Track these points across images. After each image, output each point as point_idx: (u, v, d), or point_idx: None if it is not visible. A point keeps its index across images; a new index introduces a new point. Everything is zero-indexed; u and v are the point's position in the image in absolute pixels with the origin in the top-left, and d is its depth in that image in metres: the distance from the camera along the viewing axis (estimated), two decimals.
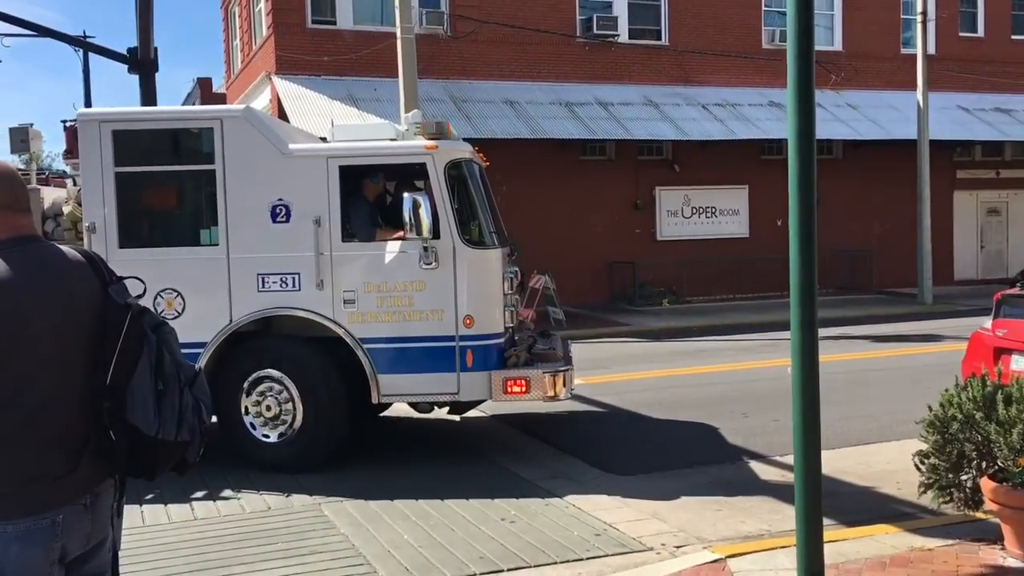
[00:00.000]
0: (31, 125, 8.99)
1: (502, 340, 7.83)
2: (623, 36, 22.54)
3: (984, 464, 5.59)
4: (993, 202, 26.96)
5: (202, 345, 7.62)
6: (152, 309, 2.93)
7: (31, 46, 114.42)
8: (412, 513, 6.60)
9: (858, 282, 23.47)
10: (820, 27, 23.84)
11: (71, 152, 8.62)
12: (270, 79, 20.52)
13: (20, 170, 8.88)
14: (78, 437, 2.67)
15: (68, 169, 9.11)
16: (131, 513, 6.47)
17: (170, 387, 2.74)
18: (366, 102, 19.22)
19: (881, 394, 10.72)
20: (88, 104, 30.99)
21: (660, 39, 23.18)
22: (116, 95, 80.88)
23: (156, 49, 14.87)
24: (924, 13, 21.52)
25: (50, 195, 8.30)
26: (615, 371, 12.91)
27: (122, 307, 2.73)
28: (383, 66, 18.79)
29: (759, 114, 22.20)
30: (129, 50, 15.05)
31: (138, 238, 7.83)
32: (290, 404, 7.75)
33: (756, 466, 7.82)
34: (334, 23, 20.82)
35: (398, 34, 14.49)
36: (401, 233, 7.65)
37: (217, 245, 7.72)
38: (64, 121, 9.06)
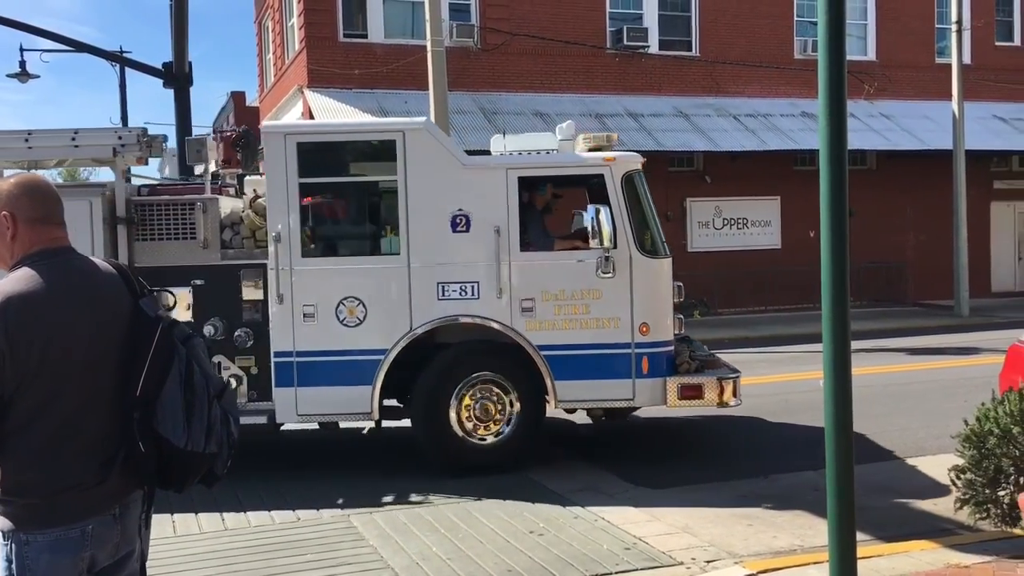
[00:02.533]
0: (208, 135, 9.05)
1: (673, 347, 8.08)
2: (653, 47, 22.50)
3: (1022, 480, 5.48)
4: None
5: (383, 352, 7.77)
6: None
7: (68, 62, 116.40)
8: (440, 525, 6.59)
9: (893, 294, 23.19)
10: (853, 37, 23.65)
11: (228, 162, 8.83)
12: (302, 92, 20.69)
13: (195, 178, 8.91)
14: (108, 448, 2.69)
15: (227, 178, 9.27)
16: (162, 523, 6.52)
17: (199, 399, 2.75)
18: (397, 115, 19.31)
19: (916, 408, 10.56)
20: (124, 118, 31.41)
21: (691, 50, 23.11)
22: (152, 109, 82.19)
23: (190, 63, 15.08)
24: (959, 22, 21.28)
25: (227, 204, 8.48)
26: None
27: (153, 319, 2.76)
28: (414, 79, 18.90)
29: (791, 125, 22.05)
30: (164, 65, 15.27)
31: (321, 247, 8.08)
32: (504, 405, 7.97)
33: (789, 480, 7.71)
34: (365, 37, 20.99)
35: (428, 47, 14.56)
36: (578, 242, 8.01)
37: (398, 254, 7.88)
38: (220, 131, 9.13)
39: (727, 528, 6.45)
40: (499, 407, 7.96)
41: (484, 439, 7.95)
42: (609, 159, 8.04)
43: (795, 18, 23.78)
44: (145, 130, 8.19)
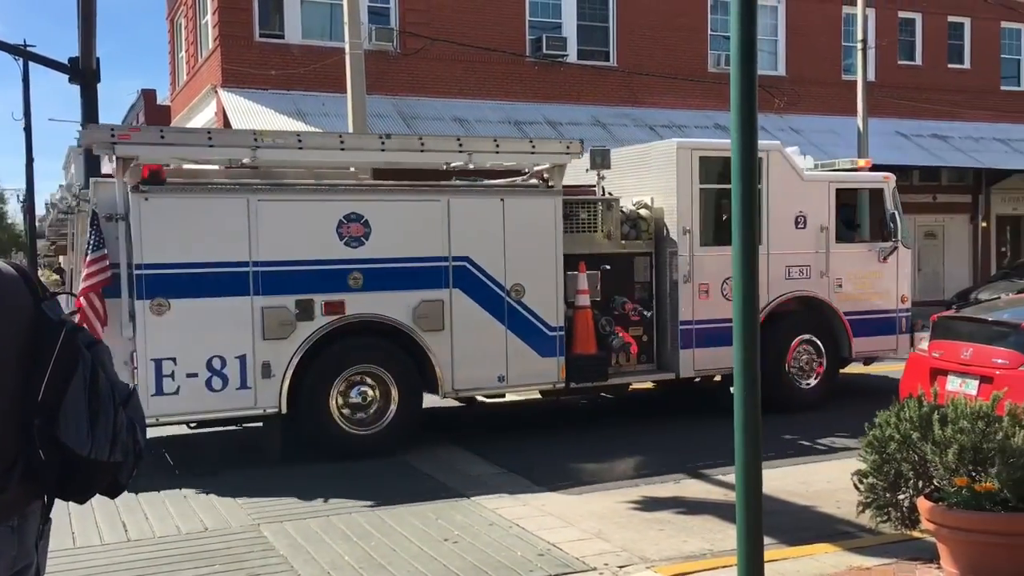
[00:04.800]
0: (604, 146, 10.58)
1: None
2: (572, 56, 22.72)
3: (921, 484, 5.67)
4: (930, 226, 27.62)
5: None
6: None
7: None
8: (353, 533, 6.51)
9: None
10: (764, 52, 24.29)
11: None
12: (216, 92, 20.29)
13: (575, 186, 10.24)
14: (7, 457, 2.58)
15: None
16: (61, 534, 6.29)
17: (104, 406, 2.65)
18: (314, 117, 19.10)
19: (820, 413, 10.85)
20: (27, 113, 30.24)
21: (608, 60, 23.41)
22: (56, 105, 79.51)
23: (98, 59, 14.59)
24: (864, 41, 22.01)
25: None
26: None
27: (56, 324, 2.65)
28: (331, 81, 18.70)
29: (705, 136, 22.49)
30: (70, 60, 14.76)
31: (713, 239, 10.30)
32: (815, 359, 10.95)
33: (699, 484, 7.86)
34: (282, 37, 20.69)
35: (347, 50, 14.41)
36: (867, 237, 11.40)
37: (761, 243, 9.34)
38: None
39: (639, 533, 6.53)
40: (810, 361, 10.91)
41: (809, 384, 10.95)
42: (887, 177, 11.51)
43: (709, 32, 24.31)
44: (582, 141, 9.89)
